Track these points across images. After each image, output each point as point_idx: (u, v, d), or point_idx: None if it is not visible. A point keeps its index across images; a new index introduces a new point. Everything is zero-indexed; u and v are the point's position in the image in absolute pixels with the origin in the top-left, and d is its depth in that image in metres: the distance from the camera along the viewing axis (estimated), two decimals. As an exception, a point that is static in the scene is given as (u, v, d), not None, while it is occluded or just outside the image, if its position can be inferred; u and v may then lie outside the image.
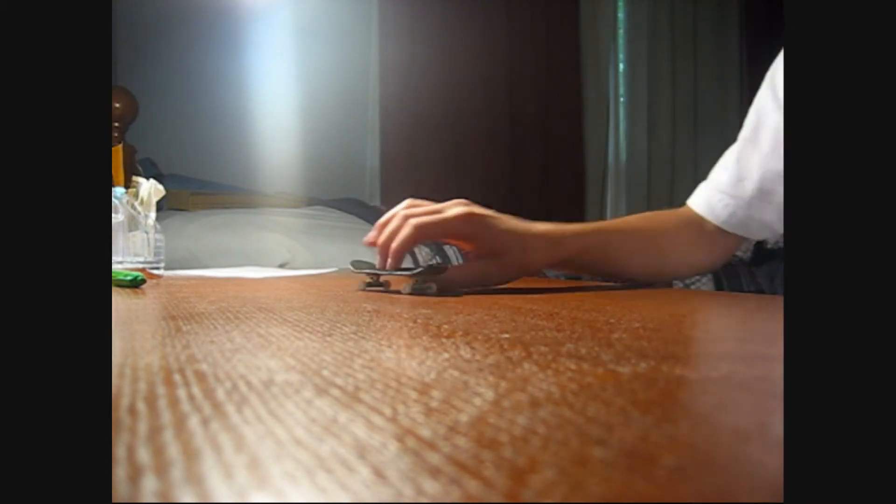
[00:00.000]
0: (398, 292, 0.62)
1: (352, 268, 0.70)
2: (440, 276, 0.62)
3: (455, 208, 0.69)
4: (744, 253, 2.07)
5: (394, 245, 0.66)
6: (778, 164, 0.82)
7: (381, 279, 0.68)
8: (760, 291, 1.83)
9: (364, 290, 0.66)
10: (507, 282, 0.72)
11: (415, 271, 0.62)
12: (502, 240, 0.70)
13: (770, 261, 1.80)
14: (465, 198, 0.71)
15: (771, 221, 0.85)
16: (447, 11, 2.97)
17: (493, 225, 0.70)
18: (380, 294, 0.62)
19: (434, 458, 0.14)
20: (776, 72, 0.84)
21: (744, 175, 0.85)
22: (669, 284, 1.93)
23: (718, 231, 0.87)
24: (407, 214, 0.68)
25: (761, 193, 0.84)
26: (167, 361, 0.26)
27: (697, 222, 0.89)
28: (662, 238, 0.87)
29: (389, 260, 0.66)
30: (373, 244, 0.69)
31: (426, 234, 0.67)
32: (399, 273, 0.65)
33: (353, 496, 0.12)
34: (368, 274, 0.68)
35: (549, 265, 0.77)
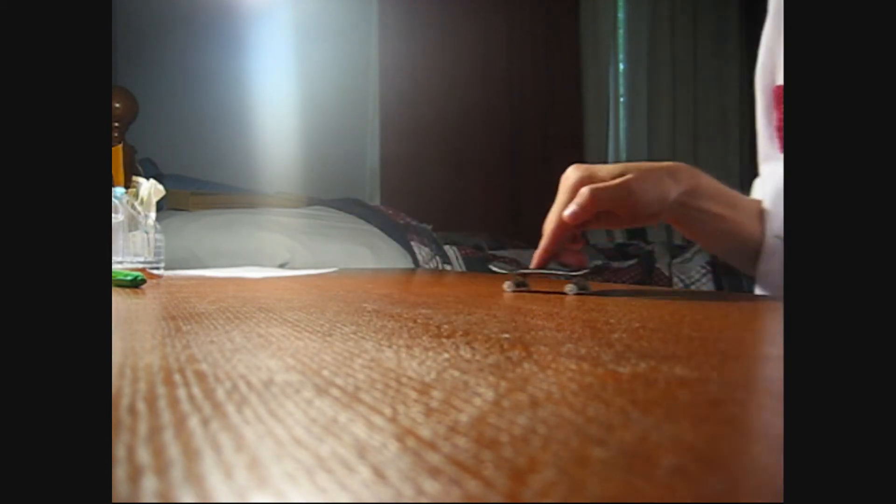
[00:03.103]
0: (547, 292, 0.61)
1: (494, 269, 0.68)
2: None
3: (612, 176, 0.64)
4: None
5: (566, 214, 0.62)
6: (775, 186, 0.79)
7: (527, 279, 0.65)
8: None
9: (512, 290, 0.63)
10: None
11: (578, 272, 0.60)
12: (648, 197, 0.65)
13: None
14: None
15: None
16: (447, 11, 2.97)
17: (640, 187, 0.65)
18: (380, 294, 0.62)
19: (434, 458, 0.14)
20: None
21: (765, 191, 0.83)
22: (668, 282, 1.93)
23: None
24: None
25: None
26: (167, 361, 0.26)
27: None
28: None
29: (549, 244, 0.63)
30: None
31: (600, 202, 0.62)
32: (552, 272, 0.62)
33: (353, 496, 0.12)
34: (515, 273, 0.64)
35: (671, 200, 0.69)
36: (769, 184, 0.76)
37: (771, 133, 0.76)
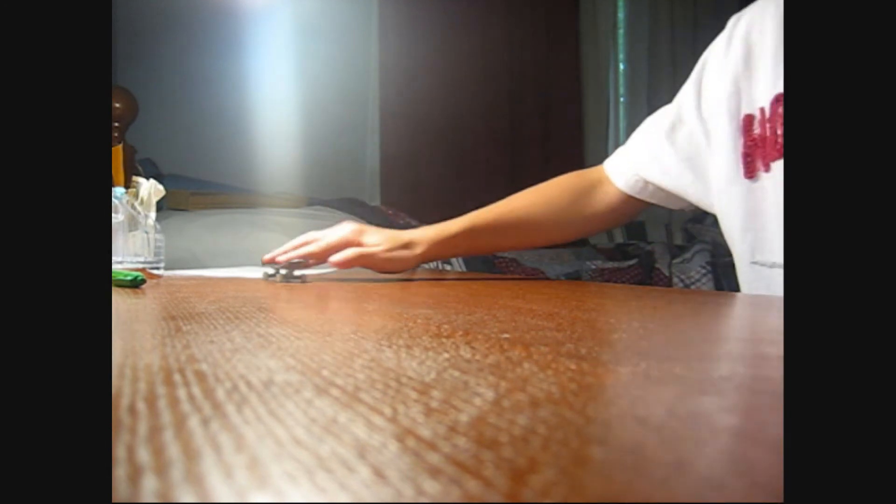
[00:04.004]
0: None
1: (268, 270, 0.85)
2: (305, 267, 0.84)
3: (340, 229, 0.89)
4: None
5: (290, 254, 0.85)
6: (686, 168, 0.87)
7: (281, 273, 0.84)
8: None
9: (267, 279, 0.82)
10: (389, 271, 0.89)
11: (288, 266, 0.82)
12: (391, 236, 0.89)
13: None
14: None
15: (688, 195, 0.89)
16: (447, 11, 2.97)
17: (377, 229, 0.90)
18: (380, 294, 0.62)
19: (434, 458, 0.14)
20: (704, 74, 0.87)
21: (658, 161, 0.92)
22: (668, 282, 1.93)
23: (628, 198, 0.96)
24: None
25: (673, 181, 0.89)
26: (167, 361, 0.26)
27: (606, 188, 1.00)
28: (550, 210, 1.00)
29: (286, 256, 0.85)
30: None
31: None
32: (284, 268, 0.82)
33: (353, 496, 0.12)
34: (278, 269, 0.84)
35: (432, 258, 0.95)
36: (738, 204, 0.79)
37: (736, 158, 0.79)
